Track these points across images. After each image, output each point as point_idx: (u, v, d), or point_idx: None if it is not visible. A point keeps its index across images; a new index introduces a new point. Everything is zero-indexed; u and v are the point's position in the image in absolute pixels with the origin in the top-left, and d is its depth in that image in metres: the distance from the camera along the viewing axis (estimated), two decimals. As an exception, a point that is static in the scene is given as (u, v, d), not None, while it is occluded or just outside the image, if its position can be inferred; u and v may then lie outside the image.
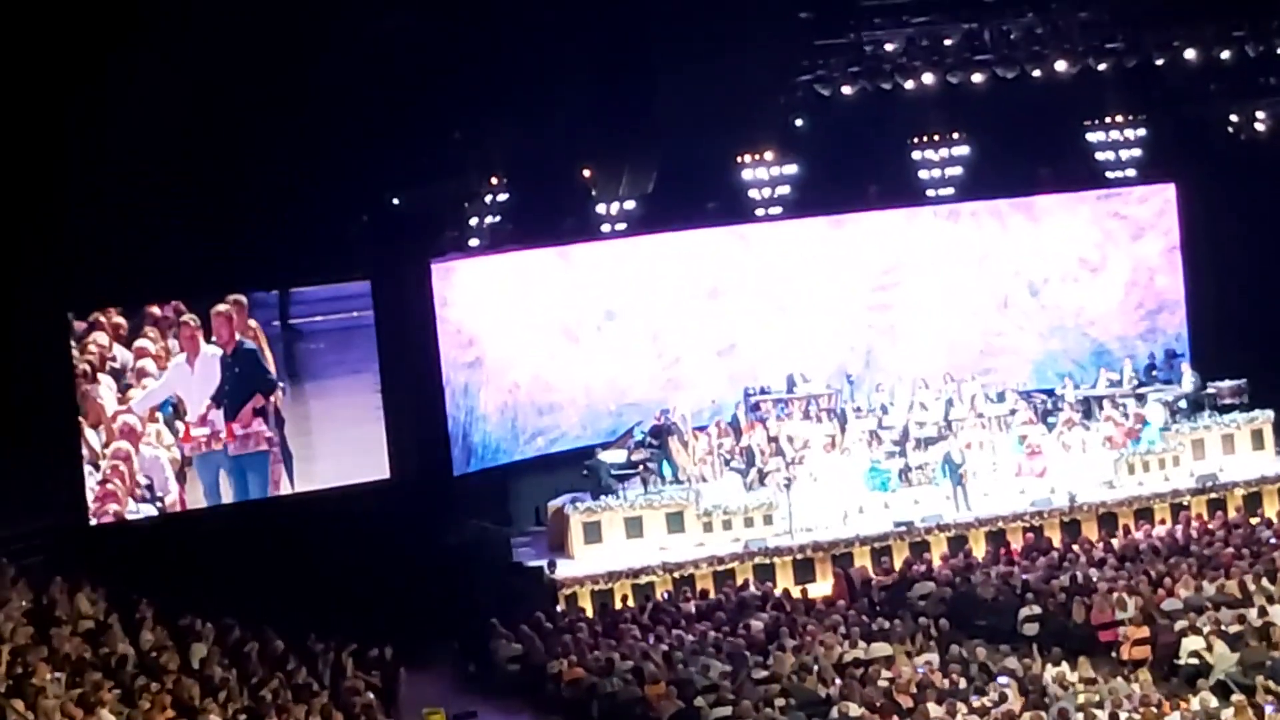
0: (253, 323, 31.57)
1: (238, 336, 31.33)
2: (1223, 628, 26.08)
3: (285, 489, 31.72)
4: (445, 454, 34.04)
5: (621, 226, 36.01)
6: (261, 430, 31.49)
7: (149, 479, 30.79)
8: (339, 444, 32.31)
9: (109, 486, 30.40)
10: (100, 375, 30.53)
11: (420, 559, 30.84)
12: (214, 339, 31.15)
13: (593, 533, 32.71)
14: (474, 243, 34.70)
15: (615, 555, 32.18)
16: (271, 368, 31.69)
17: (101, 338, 30.54)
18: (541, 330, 36.12)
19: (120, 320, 30.64)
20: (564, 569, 31.83)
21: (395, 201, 33.34)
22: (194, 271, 30.72)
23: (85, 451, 30.33)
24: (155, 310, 30.88)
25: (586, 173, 35.19)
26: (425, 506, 32.55)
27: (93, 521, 30.19)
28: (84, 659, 21.77)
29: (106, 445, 30.51)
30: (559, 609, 30.40)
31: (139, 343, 30.82)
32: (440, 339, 34.07)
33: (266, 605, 26.54)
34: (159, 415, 30.89)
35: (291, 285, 32.04)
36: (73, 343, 30.28)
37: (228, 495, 31.29)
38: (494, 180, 33.96)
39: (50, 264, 28.88)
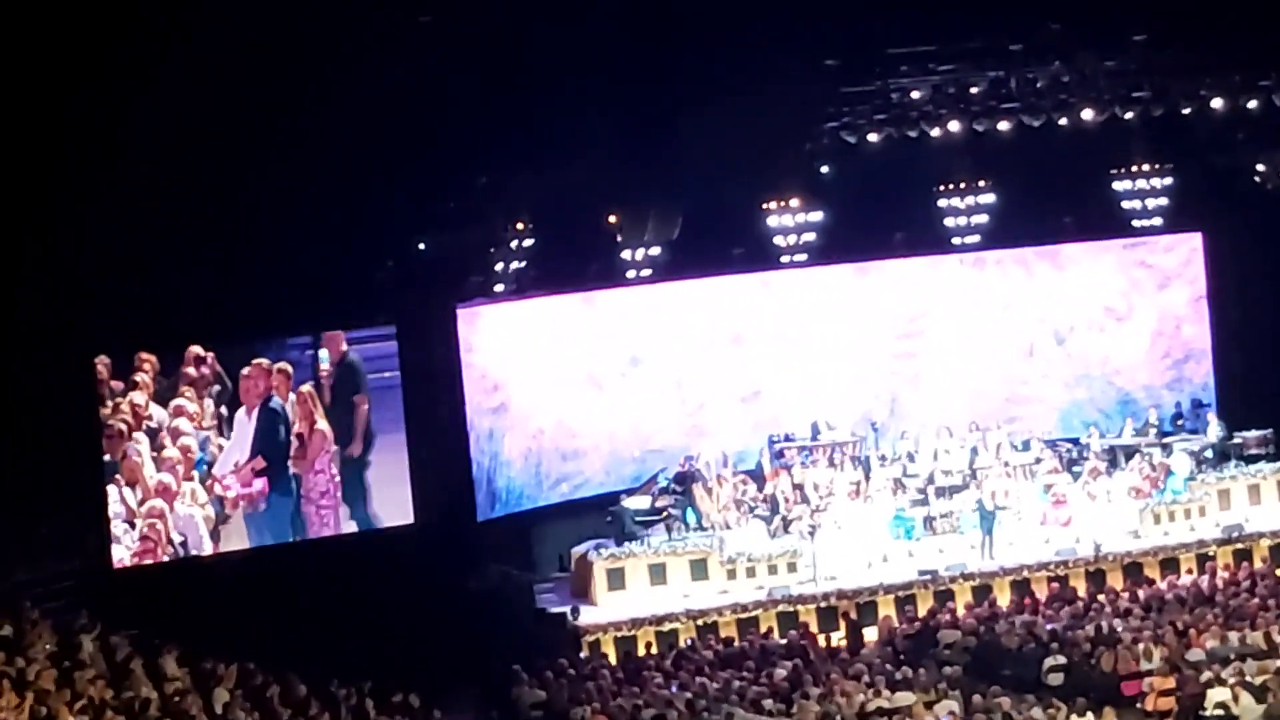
0: (306, 387, 31.98)
1: (273, 394, 31.55)
2: (1248, 679, 25.93)
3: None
4: (469, 499, 34.09)
5: (646, 273, 36.06)
6: (261, 490, 31.57)
7: (183, 536, 30.93)
8: (377, 501, 32.43)
9: (145, 544, 30.57)
10: (136, 434, 30.67)
11: (443, 604, 30.80)
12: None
13: (616, 579, 32.65)
14: (499, 288, 34.73)
15: (639, 602, 32.13)
16: (293, 431, 31.88)
17: (138, 397, 30.73)
18: (566, 376, 36.17)
19: (155, 379, 30.88)
20: (587, 615, 31.76)
21: (421, 247, 33.39)
22: (218, 316, 30.79)
23: (121, 509, 30.45)
24: (191, 370, 31.06)
25: (612, 219, 35.22)
26: (449, 552, 32.55)
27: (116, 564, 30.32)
28: (106, 703, 21.72)
29: (141, 503, 30.63)
30: (582, 655, 30.33)
31: (175, 402, 31.02)
32: (465, 384, 34.12)
33: (289, 649, 26.48)
34: (194, 473, 31.08)
35: (317, 330, 32.11)
36: (107, 401, 30.42)
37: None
38: (519, 226, 34.00)
39: (73, 306, 28.93)
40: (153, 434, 30.84)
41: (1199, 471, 35.44)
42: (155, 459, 30.82)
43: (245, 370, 31.45)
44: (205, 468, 31.17)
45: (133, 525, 30.51)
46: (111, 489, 30.41)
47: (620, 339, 36.89)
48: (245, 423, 31.49)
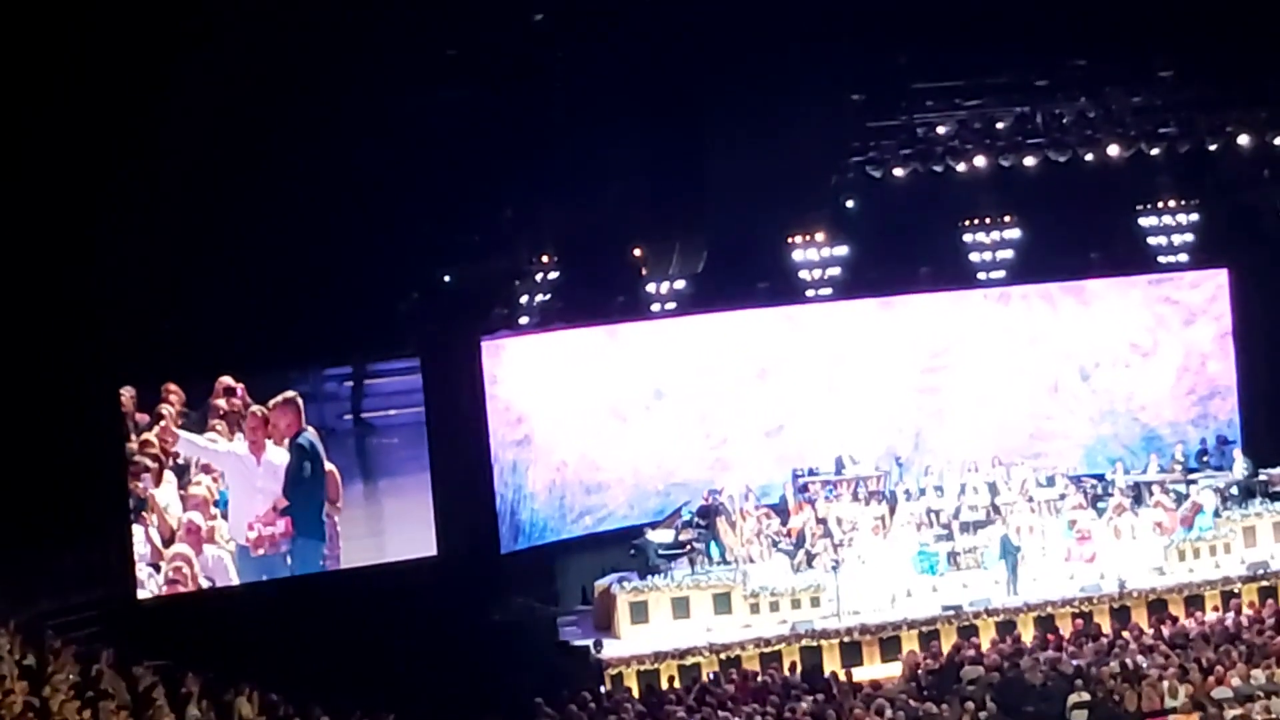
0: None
1: (304, 427, 31.48)
2: (1274, 717, 25.85)
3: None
4: (492, 531, 34.06)
5: (671, 306, 36.07)
6: (285, 530, 31.41)
7: (211, 580, 30.74)
8: (402, 533, 32.39)
9: (172, 588, 30.37)
10: (164, 472, 30.46)
11: (466, 636, 30.80)
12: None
13: (639, 612, 32.61)
14: (524, 320, 34.77)
15: (662, 635, 32.06)
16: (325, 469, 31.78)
17: (164, 429, 30.55)
18: (590, 409, 36.16)
19: (185, 411, 30.62)
20: (610, 649, 31.72)
21: (446, 278, 33.44)
22: (244, 347, 30.81)
23: (147, 550, 30.21)
24: (221, 404, 30.91)
25: (637, 252, 35.23)
26: (472, 584, 32.53)
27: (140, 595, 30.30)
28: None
29: (167, 544, 30.42)
30: (604, 689, 30.27)
31: (206, 435, 30.88)
32: (489, 416, 34.11)
33: (312, 680, 26.49)
34: (216, 511, 30.86)
35: (341, 362, 32.15)
36: (133, 437, 30.30)
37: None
38: (544, 258, 34.03)
39: (100, 336, 28.98)
40: (180, 472, 30.56)
41: (1224, 508, 35.31)
42: (183, 496, 30.54)
43: (255, 408, 31.18)
44: (226, 504, 30.96)
45: (157, 569, 30.25)
46: (137, 529, 30.21)
47: (644, 372, 36.88)
48: (252, 461, 31.21)
